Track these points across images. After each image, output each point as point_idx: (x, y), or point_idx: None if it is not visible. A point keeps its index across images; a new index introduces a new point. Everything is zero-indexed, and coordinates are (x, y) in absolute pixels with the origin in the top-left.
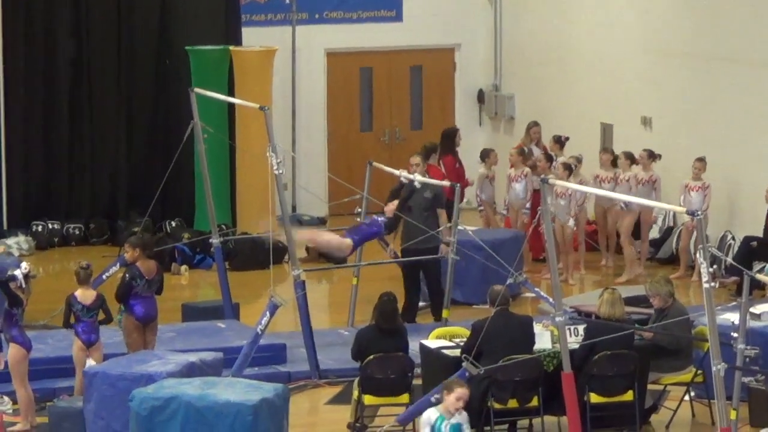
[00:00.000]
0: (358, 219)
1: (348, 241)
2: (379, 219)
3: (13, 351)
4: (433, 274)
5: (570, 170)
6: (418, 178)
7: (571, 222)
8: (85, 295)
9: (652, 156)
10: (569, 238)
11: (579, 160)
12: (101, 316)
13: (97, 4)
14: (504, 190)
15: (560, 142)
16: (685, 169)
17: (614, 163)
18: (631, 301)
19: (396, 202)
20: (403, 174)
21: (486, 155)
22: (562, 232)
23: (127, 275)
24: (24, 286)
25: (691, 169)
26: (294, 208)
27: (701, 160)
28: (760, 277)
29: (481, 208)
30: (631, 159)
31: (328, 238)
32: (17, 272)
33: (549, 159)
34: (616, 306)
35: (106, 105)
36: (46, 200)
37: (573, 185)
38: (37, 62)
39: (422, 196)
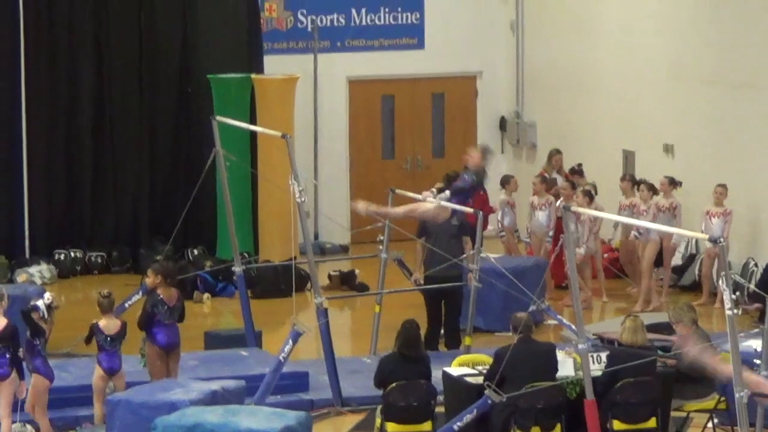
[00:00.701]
0: (380, 247)
1: (442, 204)
2: (466, 176)
3: (36, 381)
4: (454, 306)
5: (591, 197)
6: (448, 205)
7: (582, 249)
8: (108, 325)
9: (673, 183)
10: (584, 266)
11: (594, 187)
12: None
13: (119, 33)
14: (526, 218)
15: (578, 171)
16: (707, 195)
17: (636, 186)
18: (653, 328)
19: (477, 154)
20: (428, 197)
21: (506, 181)
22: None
23: (148, 303)
24: (46, 317)
25: (713, 195)
26: (316, 236)
27: (723, 186)
28: None
29: (503, 234)
30: (653, 190)
31: (424, 209)
32: (39, 303)
33: (573, 186)
34: (639, 333)
35: (128, 133)
36: (68, 228)
37: (595, 212)
38: (59, 90)
39: (449, 223)
